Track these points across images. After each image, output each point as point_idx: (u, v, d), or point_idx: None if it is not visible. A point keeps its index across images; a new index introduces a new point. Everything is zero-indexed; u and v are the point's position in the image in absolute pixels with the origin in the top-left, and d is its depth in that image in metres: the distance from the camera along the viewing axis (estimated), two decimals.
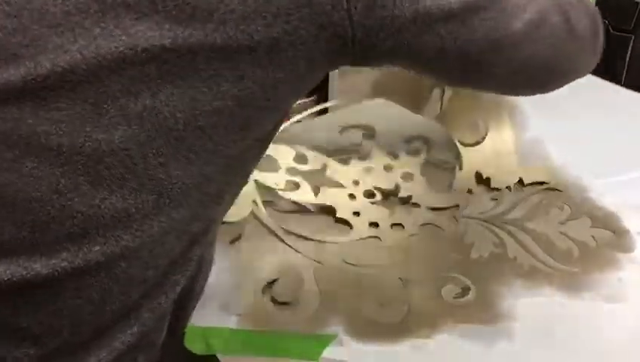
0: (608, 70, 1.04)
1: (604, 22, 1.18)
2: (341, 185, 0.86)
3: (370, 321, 0.70)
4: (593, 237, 0.83)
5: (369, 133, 0.96)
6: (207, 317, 0.66)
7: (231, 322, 0.68)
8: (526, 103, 0.88)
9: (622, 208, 0.87)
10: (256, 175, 0.83)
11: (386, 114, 0.97)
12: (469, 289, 0.75)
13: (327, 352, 0.65)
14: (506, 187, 0.89)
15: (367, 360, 0.66)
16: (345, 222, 0.84)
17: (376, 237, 0.82)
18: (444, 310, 0.72)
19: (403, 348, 0.68)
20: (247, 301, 0.71)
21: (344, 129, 0.97)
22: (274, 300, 0.72)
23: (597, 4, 1.18)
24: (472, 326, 0.70)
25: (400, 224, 0.84)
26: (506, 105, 0.87)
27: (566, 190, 0.89)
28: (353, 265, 0.78)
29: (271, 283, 0.73)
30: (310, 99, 1.80)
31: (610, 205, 0.87)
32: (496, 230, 0.84)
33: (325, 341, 0.67)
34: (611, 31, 1.18)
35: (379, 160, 0.89)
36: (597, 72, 0.98)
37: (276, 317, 0.70)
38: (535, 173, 0.90)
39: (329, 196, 0.85)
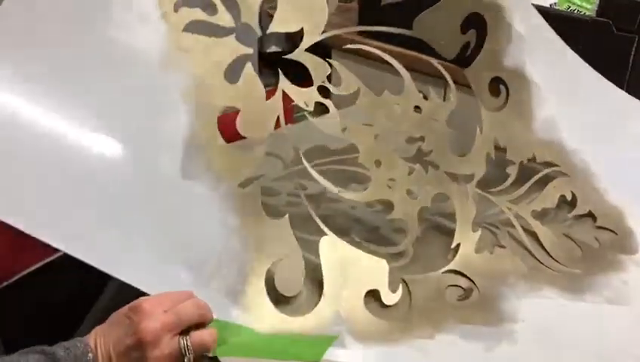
0: (611, 72, 1.04)
1: (608, 22, 1.18)
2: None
3: (373, 321, 0.69)
4: (596, 238, 0.83)
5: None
6: (211, 302, 0.63)
7: (232, 314, 0.67)
8: (543, 83, 0.88)
9: (626, 205, 0.86)
10: (288, 87, 0.77)
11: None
12: (472, 290, 0.74)
13: (330, 354, 0.65)
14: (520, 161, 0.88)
15: (369, 361, 0.65)
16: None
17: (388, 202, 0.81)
18: (447, 310, 0.72)
19: (405, 348, 0.67)
20: (251, 294, 0.69)
21: (346, 128, 0.96)
22: (276, 295, 0.70)
23: (600, 4, 1.18)
24: (474, 327, 0.70)
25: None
26: (526, 78, 0.86)
27: (574, 177, 0.88)
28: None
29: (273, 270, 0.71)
30: None
31: (615, 200, 0.86)
32: (498, 231, 0.84)
33: (327, 341, 0.66)
34: (615, 31, 1.17)
35: (411, 96, 0.83)
36: (599, 73, 0.98)
37: (278, 316, 0.69)
38: (548, 151, 0.88)
39: (356, 134, 0.81)
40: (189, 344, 0.58)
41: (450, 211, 0.82)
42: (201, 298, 0.62)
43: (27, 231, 0.61)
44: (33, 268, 1.32)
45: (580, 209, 0.86)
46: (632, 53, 1.16)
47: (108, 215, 0.64)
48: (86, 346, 0.56)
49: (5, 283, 1.28)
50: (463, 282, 0.76)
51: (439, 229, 0.85)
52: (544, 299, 0.74)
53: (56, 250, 1.35)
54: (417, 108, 0.82)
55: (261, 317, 0.68)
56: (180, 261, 0.66)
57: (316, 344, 0.66)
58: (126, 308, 0.58)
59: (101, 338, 0.57)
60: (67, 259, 1.25)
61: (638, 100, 1.00)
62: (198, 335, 0.58)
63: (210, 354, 0.61)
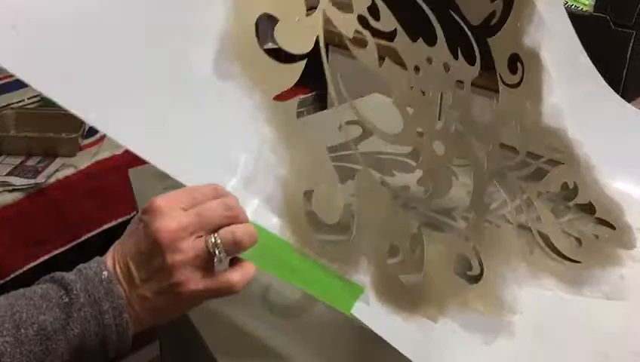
0: (609, 67, 1.03)
1: (606, 17, 1.18)
2: (404, 65, 0.79)
3: (393, 283, 0.67)
4: (595, 230, 0.82)
5: (368, 128, 0.95)
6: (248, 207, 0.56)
7: (272, 222, 0.60)
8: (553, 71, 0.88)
9: (625, 199, 0.86)
10: (328, 8, 0.72)
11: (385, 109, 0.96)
12: (479, 272, 0.73)
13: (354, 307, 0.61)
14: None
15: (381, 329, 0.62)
16: None
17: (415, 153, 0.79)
18: (453, 289, 0.70)
19: (412, 326, 0.65)
20: (289, 205, 0.62)
21: (343, 125, 0.95)
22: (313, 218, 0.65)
23: None
24: (475, 318, 0.68)
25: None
26: (540, 61, 0.86)
27: (577, 167, 0.87)
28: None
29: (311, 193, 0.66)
30: (311, 95, 1.80)
31: (614, 194, 0.86)
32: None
33: (355, 292, 0.62)
34: (612, 27, 1.17)
35: (441, 53, 0.81)
36: (597, 69, 0.98)
37: (313, 235, 0.63)
38: (554, 137, 0.87)
39: (390, 71, 0.77)
40: (218, 241, 0.49)
41: (447, 207, 0.82)
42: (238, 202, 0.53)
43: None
44: (29, 266, 1.32)
45: (581, 198, 0.85)
46: (630, 48, 1.16)
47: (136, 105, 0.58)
48: (100, 264, 0.49)
49: (1, 282, 1.28)
50: (470, 252, 0.74)
51: (435, 228, 0.84)
52: (543, 291, 0.74)
53: (51, 249, 1.35)
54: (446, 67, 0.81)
55: (296, 234, 0.62)
56: (216, 161, 0.60)
57: (345, 292, 0.62)
58: (140, 211, 0.50)
59: (118, 252, 0.50)
60: (63, 257, 1.24)
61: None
62: (228, 231, 0.49)
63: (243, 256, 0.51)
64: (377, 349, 0.71)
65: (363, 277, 0.64)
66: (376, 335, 0.65)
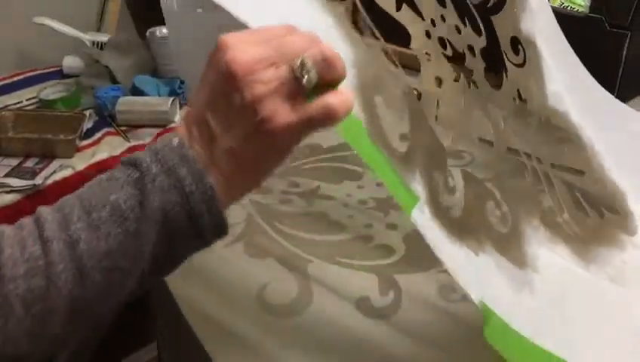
0: (604, 68, 1.05)
1: (601, 18, 1.20)
2: (421, 16, 0.79)
3: (441, 209, 0.66)
4: (600, 213, 0.83)
5: None
6: None
7: (350, 74, 0.50)
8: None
9: (628, 186, 0.86)
10: None
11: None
12: (507, 217, 0.73)
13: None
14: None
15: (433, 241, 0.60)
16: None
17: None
18: (486, 233, 0.70)
19: (461, 249, 0.64)
20: (359, 94, 0.58)
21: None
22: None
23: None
24: (505, 265, 0.68)
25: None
26: (537, 48, 0.84)
27: (584, 148, 0.85)
28: None
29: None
30: None
31: (618, 179, 0.85)
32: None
33: (414, 199, 0.60)
34: (607, 28, 1.18)
35: (452, 16, 0.81)
36: (592, 70, 0.99)
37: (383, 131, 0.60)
38: (558, 117, 0.86)
39: (408, 20, 0.77)
40: (306, 60, 0.41)
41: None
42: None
43: None
44: None
45: (588, 180, 0.84)
46: (625, 49, 1.18)
47: None
48: (169, 135, 0.44)
49: None
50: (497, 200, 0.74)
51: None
52: (558, 258, 0.74)
53: None
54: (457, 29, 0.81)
55: (369, 125, 0.57)
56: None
57: (406, 194, 0.60)
58: (208, 56, 0.44)
59: (190, 115, 0.44)
60: None
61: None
62: (316, 49, 0.42)
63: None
64: (372, 349, 0.71)
65: (420, 187, 0.62)
66: (369, 335, 0.65)
